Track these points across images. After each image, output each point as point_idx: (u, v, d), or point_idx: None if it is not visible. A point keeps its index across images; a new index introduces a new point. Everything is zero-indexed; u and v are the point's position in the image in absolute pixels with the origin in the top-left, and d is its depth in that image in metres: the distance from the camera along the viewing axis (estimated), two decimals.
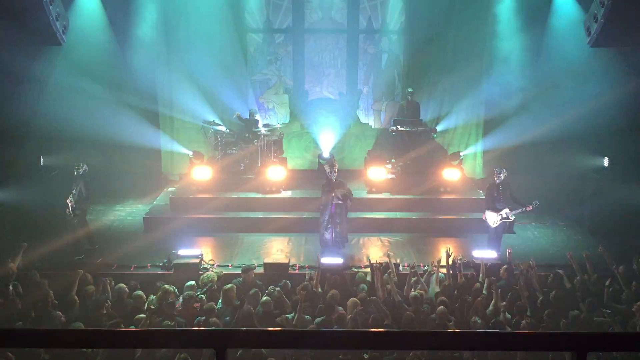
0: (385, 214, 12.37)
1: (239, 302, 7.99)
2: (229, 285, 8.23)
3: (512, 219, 10.69)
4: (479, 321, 7.50)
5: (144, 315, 7.39)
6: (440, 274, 8.86)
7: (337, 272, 9.14)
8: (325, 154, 14.24)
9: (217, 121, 13.92)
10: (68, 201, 10.27)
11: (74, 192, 10.32)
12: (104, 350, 6.39)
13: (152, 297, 8.22)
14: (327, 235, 10.32)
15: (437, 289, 8.45)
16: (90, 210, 11.06)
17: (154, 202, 13.14)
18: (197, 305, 8.03)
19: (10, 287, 8.07)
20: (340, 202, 10.22)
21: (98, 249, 10.71)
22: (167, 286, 8.18)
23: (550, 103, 13.47)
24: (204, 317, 7.55)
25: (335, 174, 10.36)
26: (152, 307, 7.67)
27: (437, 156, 13.62)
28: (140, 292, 8.14)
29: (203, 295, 8.35)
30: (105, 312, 7.69)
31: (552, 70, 13.44)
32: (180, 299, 8.21)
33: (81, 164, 10.50)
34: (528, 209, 10.32)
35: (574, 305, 7.96)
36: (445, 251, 9.16)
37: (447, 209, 12.62)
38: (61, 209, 10.47)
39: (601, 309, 7.85)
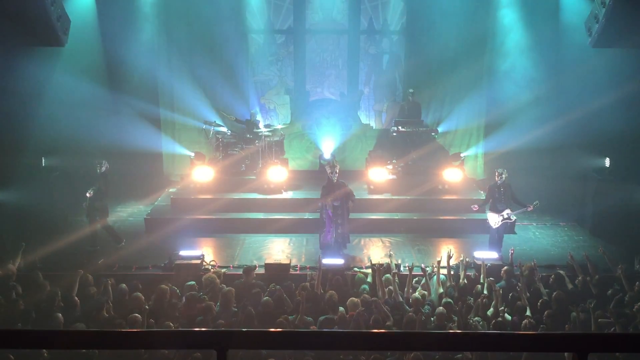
0: (386, 215, 12.36)
1: (236, 307, 7.97)
2: (227, 289, 8.22)
3: (514, 220, 10.69)
4: (479, 322, 7.49)
5: (138, 315, 7.33)
6: (441, 275, 8.85)
7: (338, 272, 9.14)
8: (327, 155, 14.23)
9: (218, 122, 13.93)
10: (88, 194, 10.51)
11: (94, 187, 10.61)
12: (102, 351, 6.37)
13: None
14: (322, 239, 10.31)
15: (441, 290, 8.45)
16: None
17: (155, 203, 13.14)
18: (198, 305, 8.02)
19: (13, 290, 8.07)
20: (337, 204, 10.21)
21: (99, 250, 10.75)
22: (163, 286, 8.17)
23: (552, 103, 13.46)
24: (202, 317, 7.55)
25: (337, 175, 10.35)
26: (147, 307, 7.63)
27: (439, 157, 13.62)
28: (137, 294, 8.11)
29: (205, 296, 8.34)
30: (106, 313, 7.68)
31: (554, 70, 13.43)
32: (184, 300, 8.21)
33: (103, 162, 10.79)
34: (529, 209, 10.32)
35: (576, 306, 7.95)
36: (447, 252, 9.15)
37: (448, 210, 12.61)
38: (69, 206, 10.61)
39: (602, 309, 7.83)
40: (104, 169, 10.73)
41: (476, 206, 10.60)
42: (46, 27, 11.24)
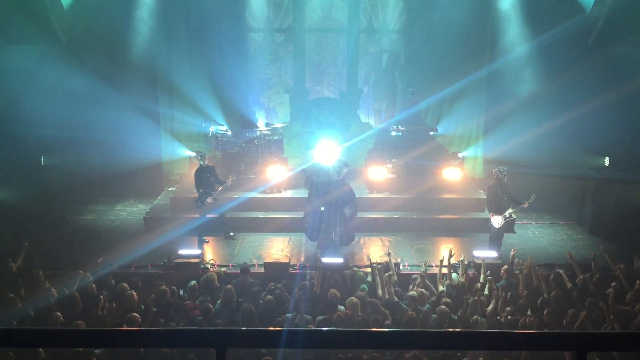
0: (385, 214, 12.36)
1: (236, 302, 7.98)
2: (228, 286, 8.23)
3: (514, 218, 10.68)
4: (479, 321, 7.49)
5: (137, 314, 7.32)
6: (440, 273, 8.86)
7: (337, 271, 9.14)
8: (324, 155, 14.14)
9: (218, 120, 13.90)
10: (229, 181, 11.01)
11: (204, 178, 10.94)
12: (102, 350, 6.37)
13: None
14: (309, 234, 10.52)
15: (442, 288, 8.44)
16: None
17: (155, 202, 13.13)
18: (197, 304, 8.03)
19: (14, 288, 8.07)
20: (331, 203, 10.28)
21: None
22: (164, 287, 8.17)
23: (551, 102, 13.45)
24: (202, 317, 7.55)
25: (339, 177, 10.33)
26: (143, 307, 7.63)
27: (438, 156, 13.62)
28: (132, 292, 8.10)
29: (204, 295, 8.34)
30: (102, 311, 7.67)
31: (553, 69, 13.41)
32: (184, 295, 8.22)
33: (204, 155, 11.18)
34: (524, 205, 10.31)
35: (575, 305, 7.95)
36: (448, 251, 9.14)
37: (448, 209, 12.61)
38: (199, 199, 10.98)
39: (602, 308, 7.82)
40: (206, 160, 11.12)
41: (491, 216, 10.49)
42: (45, 26, 11.23)
